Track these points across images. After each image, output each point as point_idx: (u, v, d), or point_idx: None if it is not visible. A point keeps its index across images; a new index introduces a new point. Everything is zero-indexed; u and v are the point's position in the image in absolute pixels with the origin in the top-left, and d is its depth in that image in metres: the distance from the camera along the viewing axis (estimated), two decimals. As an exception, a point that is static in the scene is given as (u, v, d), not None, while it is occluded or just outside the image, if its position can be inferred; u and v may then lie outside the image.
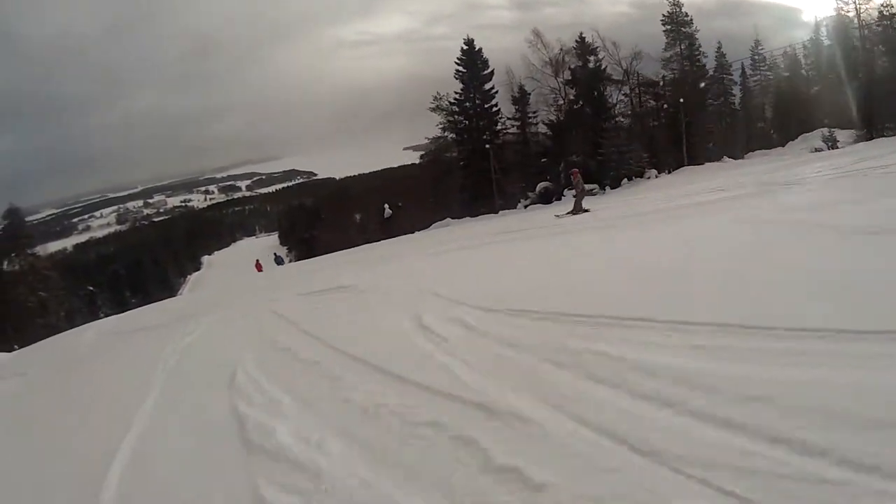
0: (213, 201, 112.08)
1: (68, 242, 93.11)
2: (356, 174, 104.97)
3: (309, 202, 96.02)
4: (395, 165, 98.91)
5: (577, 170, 25.14)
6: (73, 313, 46.38)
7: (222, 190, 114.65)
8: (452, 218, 47.91)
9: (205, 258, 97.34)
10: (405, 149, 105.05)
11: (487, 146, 50.87)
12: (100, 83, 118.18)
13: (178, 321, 14.69)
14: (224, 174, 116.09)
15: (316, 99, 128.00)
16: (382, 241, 40.39)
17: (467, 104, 52.58)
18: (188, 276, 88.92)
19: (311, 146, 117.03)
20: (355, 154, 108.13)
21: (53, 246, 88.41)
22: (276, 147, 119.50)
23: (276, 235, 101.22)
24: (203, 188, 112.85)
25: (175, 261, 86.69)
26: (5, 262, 41.96)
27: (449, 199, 53.67)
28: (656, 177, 42.54)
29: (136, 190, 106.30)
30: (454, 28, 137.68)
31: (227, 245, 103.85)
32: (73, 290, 49.86)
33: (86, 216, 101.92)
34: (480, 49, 51.90)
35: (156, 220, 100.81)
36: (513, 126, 53.52)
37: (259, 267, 46.12)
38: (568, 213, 22.53)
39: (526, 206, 45.77)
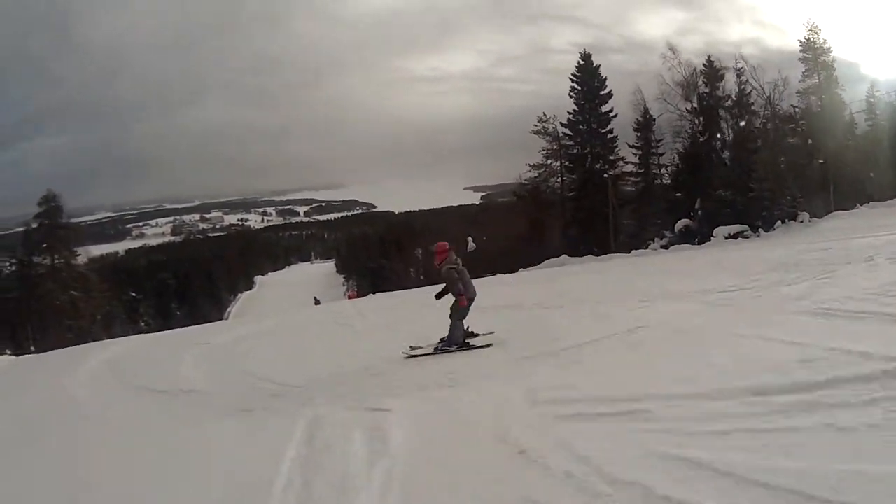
0: (271, 223, 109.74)
1: (120, 247, 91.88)
2: (416, 209, 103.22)
3: (371, 232, 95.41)
4: (456, 204, 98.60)
5: (444, 243, 12.99)
6: (112, 318, 41.32)
7: (280, 213, 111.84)
8: (552, 256, 42.18)
9: (258, 278, 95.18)
10: (466, 188, 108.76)
11: (606, 175, 45.35)
12: (161, 93, 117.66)
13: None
14: (283, 197, 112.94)
15: (379, 130, 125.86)
16: (504, 276, 36.01)
17: (581, 126, 46.39)
18: (239, 294, 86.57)
19: (372, 177, 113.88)
20: (415, 189, 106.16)
21: (105, 248, 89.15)
22: (336, 175, 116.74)
23: (333, 263, 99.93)
24: (261, 209, 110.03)
25: (228, 277, 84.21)
26: (37, 254, 36.89)
27: (548, 235, 47.67)
28: (809, 221, 35.49)
29: (193, 204, 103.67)
30: (520, 70, 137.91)
31: (282, 268, 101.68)
32: (115, 295, 44.98)
33: (140, 223, 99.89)
34: (598, 66, 45.99)
35: (211, 234, 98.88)
36: (636, 154, 47.25)
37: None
38: (440, 342, 11.97)
39: (665, 247, 39.50)
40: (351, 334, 17.18)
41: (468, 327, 11.79)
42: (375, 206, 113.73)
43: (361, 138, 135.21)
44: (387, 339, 14.18)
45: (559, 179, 48.45)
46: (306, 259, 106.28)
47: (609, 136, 46.60)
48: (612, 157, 46.81)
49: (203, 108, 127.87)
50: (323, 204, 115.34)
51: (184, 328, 33.61)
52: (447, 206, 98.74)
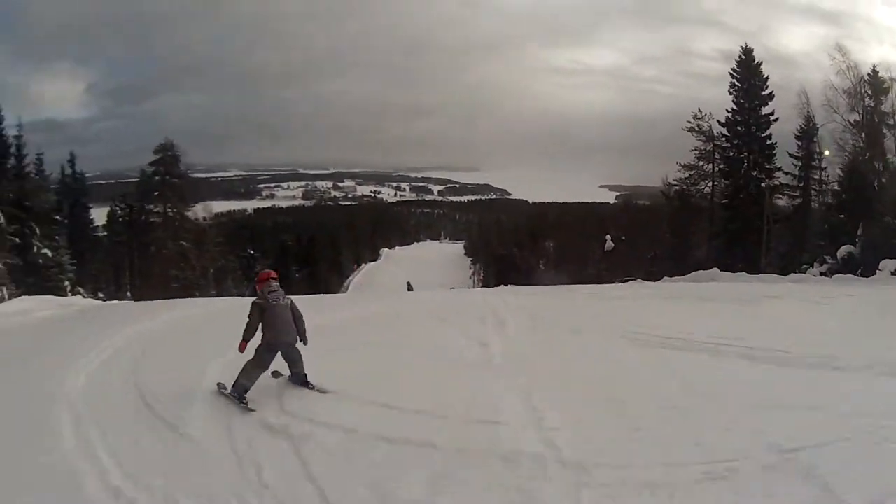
0: (403, 198, 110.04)
1: (249, 205, 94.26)
2: (550, 201, 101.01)
3: (504, 218, 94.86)
4: (590, 200, 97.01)
5: (267, 272, 10.11)
6: (225, 273, 40.36)
7: (414, 189, 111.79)
8: (698, 267, 37.68)
9: (384, 251, 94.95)
10: (601, 186, 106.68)
11: (763, 184, 40.70)
12: (306, 63, 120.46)
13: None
14: (418, 174, 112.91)
15: (517, 117, 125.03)
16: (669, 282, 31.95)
17: (739, 128, 42.09)
18: (363, 265, 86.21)
19: (507, 164, 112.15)
20: (550, 181, 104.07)
21: (234, 205, 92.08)
22: (473, 158, 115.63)
23: (462, 245, 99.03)
24: (395, 183, 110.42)
25: (353, 246, 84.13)
26: (149, 202, 35.93)
27: (694, 243, 44.47)
28: None
29: (327, 171, 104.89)
30: (661, 71, 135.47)
31: (410, 243, 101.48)
32: (232, 250, 44.22)
33: (272, 185, 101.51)
34: (760, 63, 41.49)
35: (342, 203, 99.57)
36: (795, 166, 42.36)
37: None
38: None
39: (825, 274, 33.46)
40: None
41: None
42: (509, 193, 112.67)
43: (499, 124, 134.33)
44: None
45: (710, 184, 44.23)
46: (435, 238, 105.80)
47: (768, 141, 42.30)
48: (769, 166, 42.29)
49: (346, 81, 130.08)
50: (457, 185, 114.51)
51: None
52: (581, 202, 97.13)
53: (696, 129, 43.05)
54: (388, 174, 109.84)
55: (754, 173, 41.48)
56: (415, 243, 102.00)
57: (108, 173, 67.02)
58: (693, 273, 35.26)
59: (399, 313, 16.73)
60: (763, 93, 41.42)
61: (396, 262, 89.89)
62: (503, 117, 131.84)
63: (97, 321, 16.99)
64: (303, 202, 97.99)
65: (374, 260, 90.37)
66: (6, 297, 24.19)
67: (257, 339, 8.82)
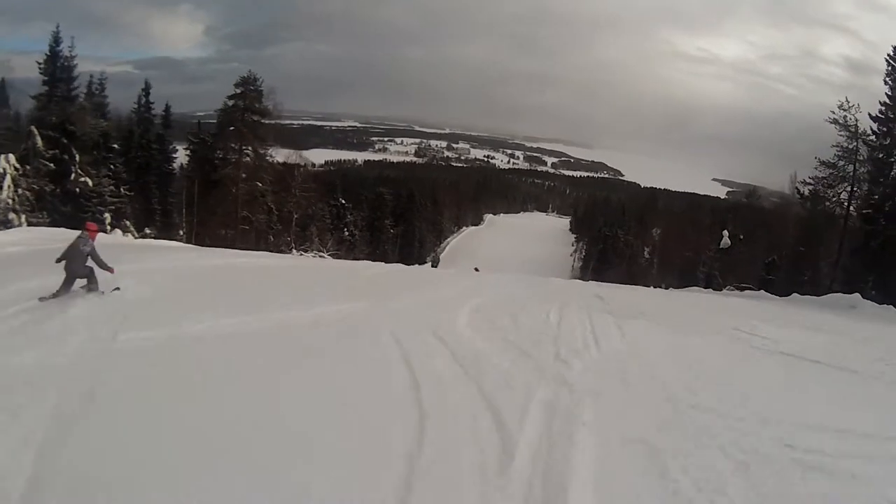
0: (516, 166, 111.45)
1: (361, 156, 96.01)
2: (662, 188, 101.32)
3: (615, 200, 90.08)
4: (701, 192, 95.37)
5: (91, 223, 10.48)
6: (312, 220, 39.86)
7: (528, 159, 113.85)
8: (826, 286, 33.17)
9: (487, 216, 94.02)
10: (714, 179, 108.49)
11: None
12: (433, 24, 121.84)
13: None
14: (534, 144, 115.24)
15: (637, 99, 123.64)
16: None
17: (891, 131, 35.33)
18: (464, 228, 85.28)
19: (622, 145, 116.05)
20: (664, 168, 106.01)
21: (345, 155, 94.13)
22: (589, 134, 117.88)
23: (568, 220, 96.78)
24: (510, 151, 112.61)
25: (455, 208, 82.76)
26: (223, 138, 34.47)
27: (823, 255, 39.43)
28: None
29: (443, 131, 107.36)
30: (787, 71, 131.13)
31: (517, 212, 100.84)
32: (321, 197, 43.70)
33: (386, 138, 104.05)
34: None
35: (454, 164, 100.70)
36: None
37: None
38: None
39: None
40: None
41: None
42: (623, 175, 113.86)
43: (618, 103, 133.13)
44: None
45: (849, 188, 37.50)
46: (543, 209, 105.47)
47: None
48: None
49: (472, 45, 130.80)
50: (571, 160, 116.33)
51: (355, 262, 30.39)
52: (692, 193, 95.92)
53: (840, 121, 36.89)
54: (504, 140, 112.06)
55: None
56: (521, 212, 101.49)
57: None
58: (828, 296, 28.30)
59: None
60: None
61: (499, 229, 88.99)
62: (623, 97, 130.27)
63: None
64: (415, 159, 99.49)
65: (477, 224, 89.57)
66: (22, 223, 22.94)
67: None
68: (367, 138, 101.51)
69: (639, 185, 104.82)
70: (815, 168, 34.64)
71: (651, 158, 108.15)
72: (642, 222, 68.31)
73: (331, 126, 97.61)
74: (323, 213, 42.30)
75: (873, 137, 32.45)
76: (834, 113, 33.18)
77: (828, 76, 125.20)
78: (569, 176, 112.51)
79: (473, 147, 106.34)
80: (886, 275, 29.62)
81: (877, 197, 32.59)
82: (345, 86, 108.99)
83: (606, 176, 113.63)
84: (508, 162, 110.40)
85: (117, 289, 9.67)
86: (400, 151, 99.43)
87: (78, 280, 9.51)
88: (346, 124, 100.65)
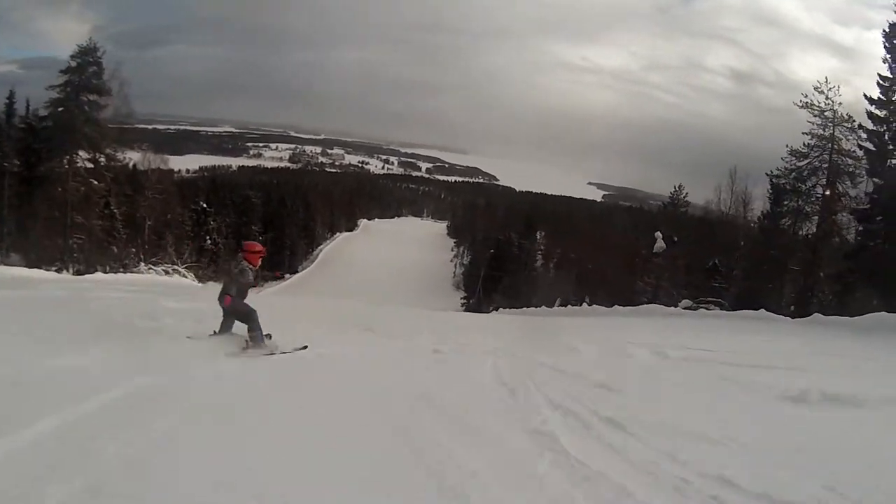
0: (390, 172, 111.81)
1: (236, 162, 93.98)
2: (538, 191, 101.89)
3: (494, 203, 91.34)
4: (577, 196, 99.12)
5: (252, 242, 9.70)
6: (167, 229, 36.54)
7: (402, 164, 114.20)
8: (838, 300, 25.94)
9: (362, 221, 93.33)
10: (590, 183, 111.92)
11: None
12: (321, 28, 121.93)
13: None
14: (409, 150, 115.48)
15: (516, 106, 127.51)
16: None
17: (893, 116, 28.01)
18: (337, 234, 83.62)
19: (498, 151, 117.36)
20: (539, 173, 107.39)
21: (220, 160, 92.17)
22: (465, 140, 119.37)
23: (445, 224, 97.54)
24: (384, 156, 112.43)
25: (328, 213, 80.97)
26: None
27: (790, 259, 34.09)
28: None
29: (318, 137, 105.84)
30: (669, 80, 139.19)
31: (391, 217, 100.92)
32: (183, 203, 40.87)
33: (261, 144, 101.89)
34: None
35: (329, 170, 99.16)
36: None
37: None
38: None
39: None
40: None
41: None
42: (497, 179, 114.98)
43: (497, 111, 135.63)
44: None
45: (824, 182, 32.22)
46: (418, 214, 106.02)
47: None
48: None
49: (360, 50, 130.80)
50: (446, 165, 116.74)
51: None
52: (570, 197, 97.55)
53: (815, 105, 30.96)
54: (379, 146, 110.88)
55: None
56: (396, 217, 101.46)
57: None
58: (867, 316, 19.24)
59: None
60: None
61: (374, 234, 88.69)
62: (502, 105, 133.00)
63: None
64: (289, 165, 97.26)
65: (351, 230, 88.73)
66: None
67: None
68: (243, 144, 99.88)
69: (514, 189, 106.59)
70: (783, 159, 32.82)
71: (526, 163, 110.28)
72: (530, 226, 67.46)
73: (208, 131, 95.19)
74: (182, 219, 39.65)
75: (870, 122, 26.86)
76: (807, 96, 30.95)
77: (711, 85, 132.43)
78: (443, 181, 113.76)
79: (348, 153, 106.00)
80: (883, 288, 25.27)
81: (882, 191, 27.30)
82: (226, 90, 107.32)
83: (481, 181, 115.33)
84: (383, 167, 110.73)
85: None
86: (275, 157, 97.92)
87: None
88: (222, 129, 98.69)
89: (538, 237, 65.36)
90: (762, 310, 21.46)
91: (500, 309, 36.34)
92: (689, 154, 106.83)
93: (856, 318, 17.29)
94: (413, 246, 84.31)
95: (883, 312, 17.29)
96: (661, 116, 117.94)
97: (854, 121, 30.37)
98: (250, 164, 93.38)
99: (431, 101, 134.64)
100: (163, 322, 9.41)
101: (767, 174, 33.68)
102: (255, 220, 57.48)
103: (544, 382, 7.32)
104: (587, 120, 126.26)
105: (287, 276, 63.85)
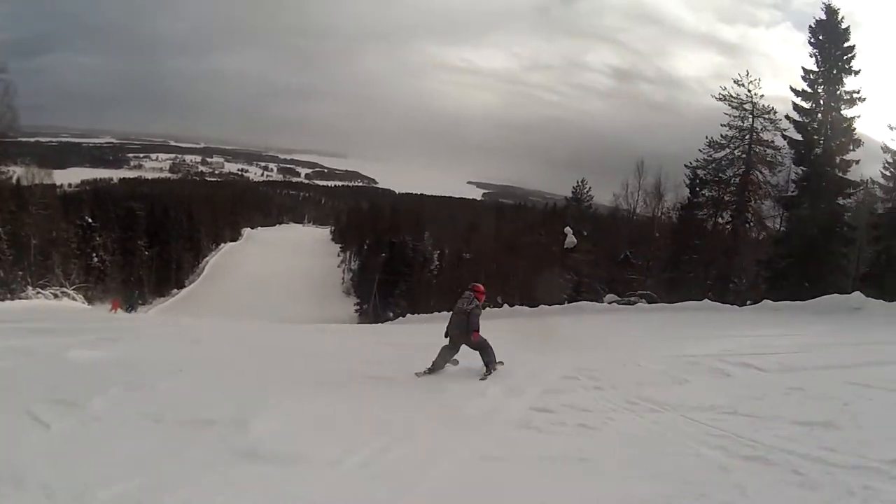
0: (270, 178, 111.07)
1: (117, 174, 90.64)
2: (417, 192, 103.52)
3: (382, 207, 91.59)
4: (457, 196, 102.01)
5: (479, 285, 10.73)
6: (54, 246, 34.94)
7: (281, 170, 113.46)
8: (770, 286, 30.08)
9: (245, 230, 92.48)
10: (469, 182, 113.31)
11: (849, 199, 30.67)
12: (199, 35, 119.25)
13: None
14: (288, 156, 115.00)
15: (395, 110, 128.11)
16: None
17: (818, 107, 30.24)
18: (222, 245, 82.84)
19: (378, 154, 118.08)
20: (418, 173, 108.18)
21: (101, 173, 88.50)
22: (343, 144, 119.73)
23: (329, 230, 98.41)
24: (264, 163, 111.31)
25: (212, 224, 79.84)
26: None
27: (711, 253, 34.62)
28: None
29: (198, 146, 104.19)
30: (550, 80, 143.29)
31: (273, 225, 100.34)
32: (67, 219, 39.32)
33: (142, 155, 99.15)
34: (848, 28, 30.42)
35: (209, 179, 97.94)
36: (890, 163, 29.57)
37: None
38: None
39: None
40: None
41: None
42: (377, 182, 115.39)
43: (375, 114, 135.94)
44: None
45: (739, 172, 33.94)
46: (299, 220, 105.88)
47: (853, 127, 30.09)
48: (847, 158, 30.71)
49: (237, 57, 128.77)
50: (325, 170, 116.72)
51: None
52: (450, 197, 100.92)
53: (731, 98, 33.57)
54: (258, 153, 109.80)
55: (829, 169, 30.29)
56: (278, 225, 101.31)
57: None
58: (825, 298, 20.32)
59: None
60: (846, 57, 30.45)
61: (259, 243, 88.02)
62: (381, 108, 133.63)
63: None
64: (170, 175, 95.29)
65: (235, 240, 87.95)
66: None
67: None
68: (124, 155, 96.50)
69: (393, 191, 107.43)
70: (700, 150, 34.69)
71: (405, 165, 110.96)
72: (419, 228, 68.39)
73: (89, 143, 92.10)
74: (68, 235, 38.11)
75: (797, 114, 30.74)
76: (725, 89, 33.66)
77: (592, 83, 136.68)
78: (323, 186, 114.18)
79: (228, 161, 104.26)
80: (816, 266, 28.96)
81: (807, 179, 30.86)
82: (108, 99, 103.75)
83: (361, 184, 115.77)
84: (262, 174, 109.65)
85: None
86: (155, 168, 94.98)
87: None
88: (103, 141, 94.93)
89: (425, 238, 66.14)
90: (706, 300, 23.71)
91: (408, 316, 35.02)
92: (571, 150, 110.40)
93: (809, 301, 19.33)
94: (298, 253, 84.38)
95: (835, 294, 20.00)
96: (543, 115, 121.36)
97: (775, 111, 32.97)
98: (132, 176, 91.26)
99: (309, 107, 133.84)
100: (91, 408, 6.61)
101: (686, 165, 35.78)
102: (140, 234, 56.61)
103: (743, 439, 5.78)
104: (467, 120, 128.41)
105: (175, 290, 63.31)
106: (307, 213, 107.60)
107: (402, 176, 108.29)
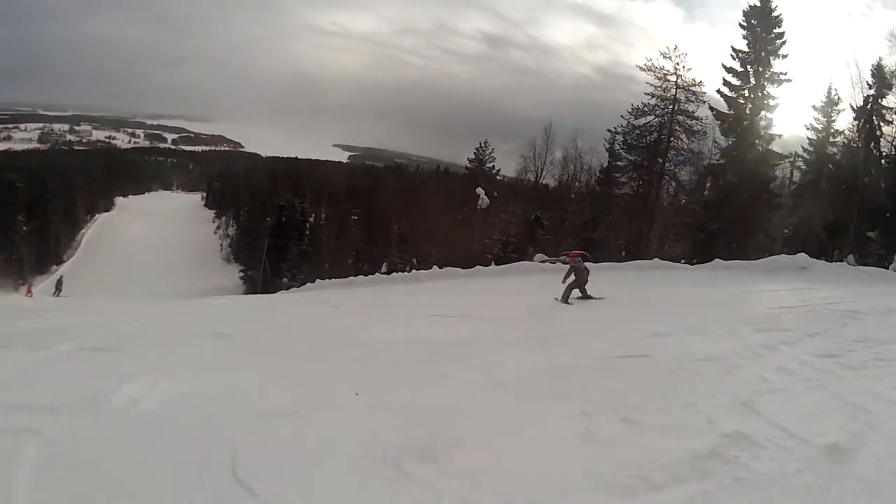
0: (137, 145, 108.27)
1: None
2: (284, 156, 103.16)
3: (253, 171, 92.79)
4: (324, 158, 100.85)
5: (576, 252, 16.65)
6: None
7: (148, 136, 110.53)
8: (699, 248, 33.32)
9: (118, 199, 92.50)
10: (335, 145, 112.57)
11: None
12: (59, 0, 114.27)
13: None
14: (154, 122, 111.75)
15: (264, 72, 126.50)
16: None
17: (746, 84, 34.87)
18: (97, 215, 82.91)
19: (245, 117, 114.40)
20: (283, 137, 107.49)
21: None
22: (209, 109, 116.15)
23: (200, 196, 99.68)
24: (131, 129, 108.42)
25: (88, 194, 79.86)
26: None
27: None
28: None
29: (66, 113, 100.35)
30: (420, 43, 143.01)
31: (142, 193, 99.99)
32: None
33: (10, 126, 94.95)
34: (779, 15, 34.47)
35: (77, 147, 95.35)
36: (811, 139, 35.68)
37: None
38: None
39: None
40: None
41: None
42: (242, 146, 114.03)
43: (241, 77, 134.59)
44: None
45: (662, 139, 37.90)
46: (168, 187, 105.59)
47: (776, 106, 34.74)
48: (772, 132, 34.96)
49: (107, 23, 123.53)
50: (192, 135, 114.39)
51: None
52: (316, 160, 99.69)
53: (656, 69, 37.57)
54: (125, 119, 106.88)
55: (756, 141, 34.70)
56: (146, 193, 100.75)
57: None
58: (773, 258, 23.30)
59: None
60: (774, 32, 34.47)
61: (132, 212, 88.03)
62: (247, 71, 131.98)
63: None
64: (38, 146, 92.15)
65: (108, 210, 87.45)
66: None
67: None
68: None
69: (260, 154, 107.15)
70: (623, 116, 38.34)
71: (270, 129, 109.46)
72: (298, 190, 65.41)
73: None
74: None
75: (727, 89, 34.73)
76: (650, 60, 37.29)
77: (461, 48, 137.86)
78: (189, 151, 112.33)
79: (95, 128, 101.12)
80: (742, 230, 32.98)
81: (735, 145, 34.71)
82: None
83: (227, 148, 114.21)
84: (130, 141, 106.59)
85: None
86: (24, 139, 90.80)
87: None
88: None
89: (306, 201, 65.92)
90: (656, 259, 26.42)
91: (318, 281, 33.67)
92: (437, 113, 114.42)
93: (761, 260, 22.88)
94: (173, 221, 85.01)
95: (783, 255, 23.58)
96: (410, 78, 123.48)
97: (701, 84, 37.17)
98: (1, 148, 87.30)
99: (175, 71, 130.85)
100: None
101: (609, 130, 39.58)
102: (19, 209, 56.22)
103: None
104: (333, 83, 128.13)
105: (54, 267, 62.90)
106: (175, 180, 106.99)
107: (267, 139, 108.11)
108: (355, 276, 33.41)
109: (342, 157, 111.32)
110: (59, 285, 40.24)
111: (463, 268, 27.08)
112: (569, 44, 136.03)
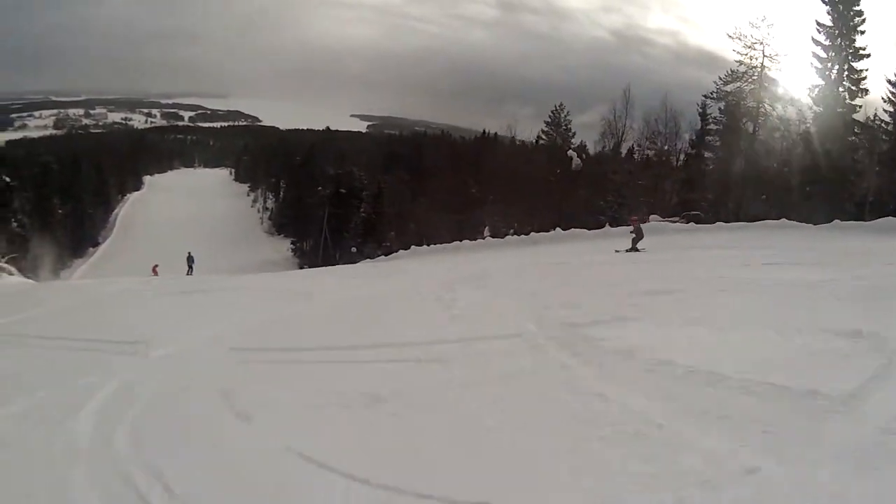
0: (154, 125, 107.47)
1: (2, 137, 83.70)
2: (303, 128, 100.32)
3: (264, 145, 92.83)
4: (343, 129, 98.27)
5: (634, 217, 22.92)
6: None
7: (165, 116, 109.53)
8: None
9: (146, 178, 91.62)
10: (353, 115, 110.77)
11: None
12: None
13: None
14: (170, 101, 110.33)
15: (277, 46, 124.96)
16: None
17: (832, 47, 34.90)
18: (128, 195, 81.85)
19: (260, 91, 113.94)
20: (300, 109, 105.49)
21: None
22: (225, 85, 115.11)
23: (229, 171, 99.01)
24: (146, 110, 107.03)
25: (118, 174, 78.33)
26: None
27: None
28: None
29: (79, 98, 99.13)
30: (432, 11, 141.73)
31: (165, 171, 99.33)
32: None
33: (25, 114, 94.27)
34: None
35: (93, 131, 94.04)
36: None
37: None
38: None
39: None
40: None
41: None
42: (260, 120, 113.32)
43: (257, 52, 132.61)
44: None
45: (757, 107, 38.13)
46: (189, 164, 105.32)
47: (863, 72, 34.95)
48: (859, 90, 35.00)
49: (112, 4, 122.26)
50: (208, 112, 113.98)
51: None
52: (336, 130, 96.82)
53: (743, 37, 37.59)
54: (139, 100, 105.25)
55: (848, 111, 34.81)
56: (169, 171, 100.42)
57: None
58: (885, 219, 21.66)
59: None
60: (859, 24, 34.48)
61: (163, 190, 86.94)
62: (261, 45, 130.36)
63: None
64: (54, 132, 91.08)
65: (138, 189, 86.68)
66: None
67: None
68: (6, 116, 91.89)
69: (278, 128, 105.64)
70: (715, 83, 39.13)
71: (287, 102, 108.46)
72: (343, 160, 63.03)
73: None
74: None
75: (816, 61, 35.04)
76: (738, 28, 37.58)
77: (476, 14, 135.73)
78: (207, 127, 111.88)
79: (111, 111, 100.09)
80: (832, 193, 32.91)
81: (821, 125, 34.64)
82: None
83: (245, 123, 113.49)
84: (147, 122, 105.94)
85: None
86: (39, 126, 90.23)
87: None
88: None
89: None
90: (783, 219, 24.91)
91: (413, 248, 32.11)
92: (455, 81, 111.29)
93: (873, 222, 21.97)
94: (204, 197, 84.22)
95: (889, 217, 21.90)
96: (424, 46, 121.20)
97: (779, 57, 37.03)
98: (16, 137, 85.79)
99: (188, 49, 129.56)
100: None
101: (704, 96, 39.86)
102: (55, 192, 54.99)
103: None
104: (347, 54, 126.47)
105: (91, 249, 62.41)
106: (196, 156, 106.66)
107: (284, 112, 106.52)
108: (450, 242, 31.19)
109: (360, 126, 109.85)
110: (189, 261, 38.16)
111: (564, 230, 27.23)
112: (583, 7, 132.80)
